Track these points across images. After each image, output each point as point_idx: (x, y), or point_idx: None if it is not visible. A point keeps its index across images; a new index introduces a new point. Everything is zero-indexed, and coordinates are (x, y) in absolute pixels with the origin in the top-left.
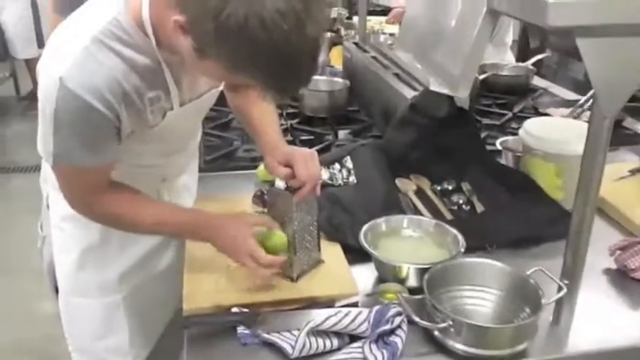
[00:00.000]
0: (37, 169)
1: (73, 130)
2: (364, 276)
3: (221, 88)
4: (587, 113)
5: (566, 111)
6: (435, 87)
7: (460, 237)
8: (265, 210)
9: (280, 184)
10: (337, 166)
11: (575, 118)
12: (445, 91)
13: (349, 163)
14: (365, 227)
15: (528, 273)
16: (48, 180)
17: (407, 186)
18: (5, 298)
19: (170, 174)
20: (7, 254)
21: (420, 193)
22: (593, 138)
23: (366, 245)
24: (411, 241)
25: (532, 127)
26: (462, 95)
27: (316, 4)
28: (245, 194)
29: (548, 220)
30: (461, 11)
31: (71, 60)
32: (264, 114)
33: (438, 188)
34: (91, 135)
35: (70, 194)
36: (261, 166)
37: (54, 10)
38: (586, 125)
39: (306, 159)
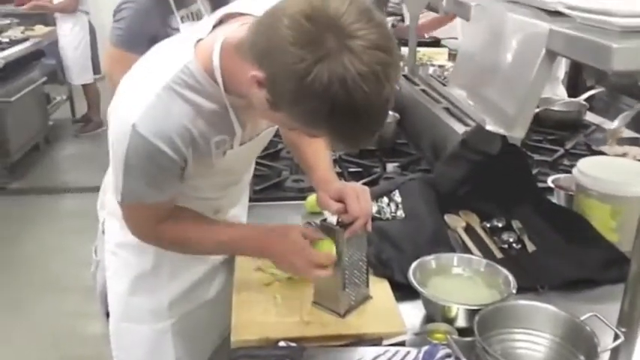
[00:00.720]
0: (88, 190)
1: (142, 172)
2: (412, 314)
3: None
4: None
5: (620, 149)
6: (490, 127)
7: (512, 278)
8: None
9: (332, 219)
10: (385, 199)
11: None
12: (501, 131)
13: (397, 197)
14: (414, 264)
15: (583, 318)
16: (105, 206)
17: (456, 222)
18: (54, 317)
19: (224, 206)
20: (57, 273)
21: (469, 229)
22: None
23: (415, 283)
24: (461, 280)
25: (587, 166)
26: (519, 136)
27: (394, 66)
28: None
29: (603, 263)
30: (517, 50)
31: (144, 107)
32: (316, 149)
33: (488, 225)
34: (158, 176)
35: (137, 228)
36: (310, 197)
37: (113, 43)
38: None
39: (359, 194)
